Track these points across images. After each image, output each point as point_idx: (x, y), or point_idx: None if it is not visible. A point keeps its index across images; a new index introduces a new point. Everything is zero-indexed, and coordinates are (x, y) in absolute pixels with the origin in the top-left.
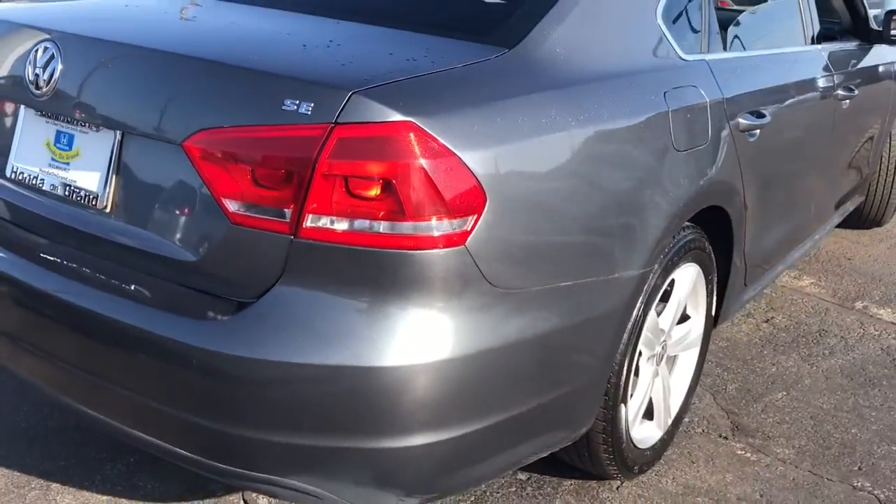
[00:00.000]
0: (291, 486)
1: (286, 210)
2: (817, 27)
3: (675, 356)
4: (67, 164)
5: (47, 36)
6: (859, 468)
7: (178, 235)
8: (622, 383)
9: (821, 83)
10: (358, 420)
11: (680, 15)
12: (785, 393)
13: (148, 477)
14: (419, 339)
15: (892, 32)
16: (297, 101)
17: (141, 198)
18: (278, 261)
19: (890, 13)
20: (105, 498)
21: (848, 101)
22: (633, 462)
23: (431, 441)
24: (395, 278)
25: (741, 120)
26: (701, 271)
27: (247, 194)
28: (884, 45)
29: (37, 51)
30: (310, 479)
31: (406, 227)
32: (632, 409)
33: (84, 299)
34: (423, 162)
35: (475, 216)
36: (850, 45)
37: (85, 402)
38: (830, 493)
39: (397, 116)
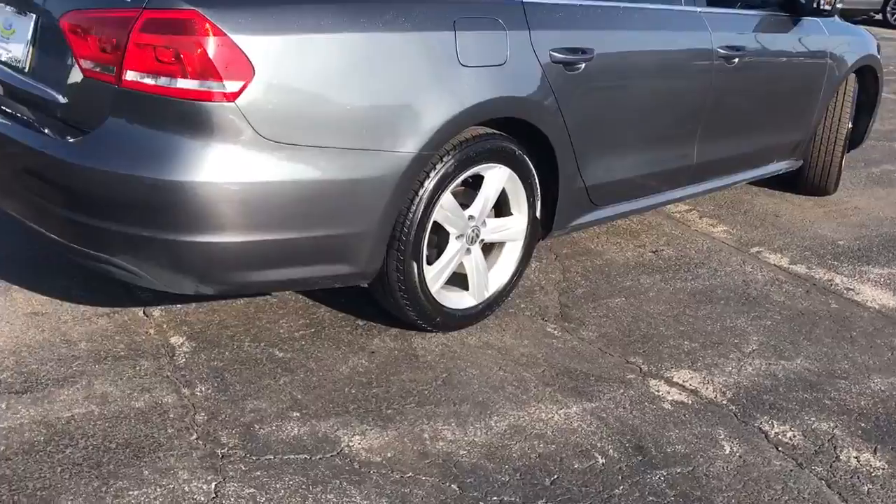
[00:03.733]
0: (118, 264)
1: (113, 67)
2: None
3: (499, 244)
4: (8, 39)
5: None
6: (643, 350)
7: (58, 84)
8: (411, 243)
9: (683, 39)
10: (157, 217)
11: None
12: (624, 299)
13: (81, 291)
14: (205, 164)
15: (823, 5)
16: None
17: (43, 61)
18: (109, 103)
19: None
20: (46, 298)
21: (737, 61)
22: (435, 315)
23: (220, 241)
24: (188, 120)
25: (555, 53)
26: (516, 175)
27: (93, 56)
28: (819, 20)
29: None
30: (132, 260)
31: (191, 83)
32: (431, 270)
33: (10, 131)
34: (200, 39)
35: (243, 83)
36: (757, 13)
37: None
38: (603, 362)
39: (185, 6)
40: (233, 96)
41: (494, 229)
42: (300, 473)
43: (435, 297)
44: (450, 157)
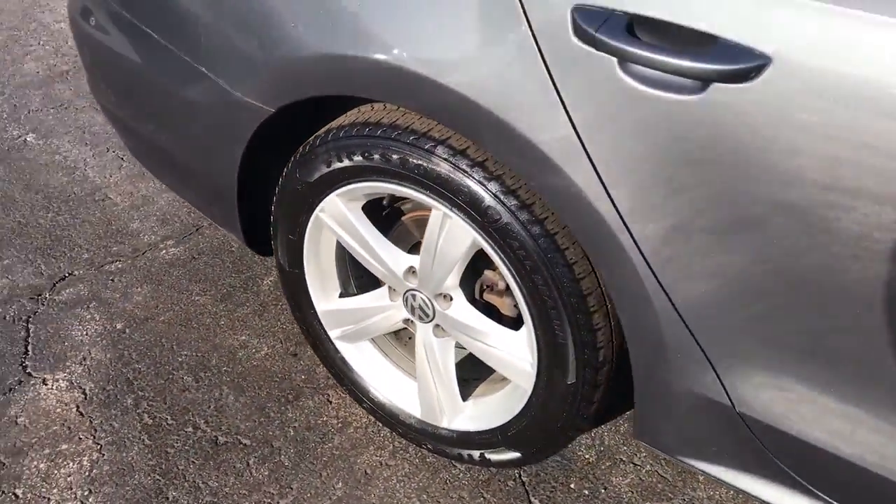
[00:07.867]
0: None
1: None
2: None
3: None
4: None
5: None
6: None
7: None
8: (289, 237)
9: None
10: None
11: None
12: None
13: None
14: None
15: None
16: None
17: None
18: None
19: None
20: None
21: None
22: (333, 370)
23: None
24: None
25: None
26: (497, 254)
27: None
28: None
29: None
30: None
31: None
32: (339, 302)
33: None
34: None
35: None
36: None
37: None
38: None
39: None
40: None
41: (458, 325)
42: None
43: (335, 343)
44: (325, 141)
